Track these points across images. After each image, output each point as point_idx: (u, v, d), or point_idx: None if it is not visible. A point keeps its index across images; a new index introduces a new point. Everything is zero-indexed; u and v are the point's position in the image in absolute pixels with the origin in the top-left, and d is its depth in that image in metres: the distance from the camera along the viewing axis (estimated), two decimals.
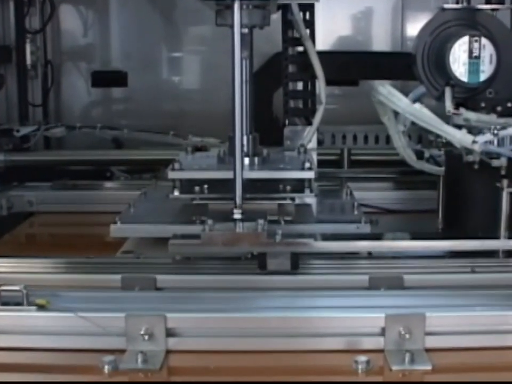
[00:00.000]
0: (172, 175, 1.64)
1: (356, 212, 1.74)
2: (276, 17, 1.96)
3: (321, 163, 2.03)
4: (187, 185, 1.64)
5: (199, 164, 1.72)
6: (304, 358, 1.23)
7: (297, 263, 1.51)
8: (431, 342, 1.24)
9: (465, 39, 1.62)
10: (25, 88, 2.89)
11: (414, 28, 2.54)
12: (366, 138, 2.71)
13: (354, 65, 2.79)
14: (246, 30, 1.62)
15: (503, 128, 1.59)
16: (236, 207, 1.47)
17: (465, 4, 1.70)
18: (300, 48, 2.01)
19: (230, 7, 1.48)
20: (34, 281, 1.46)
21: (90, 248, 1.86)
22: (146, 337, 1.22)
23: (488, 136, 1.59)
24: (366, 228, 1.64)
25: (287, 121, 2.04)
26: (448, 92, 1.65)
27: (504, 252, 1.61)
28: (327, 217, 1.73)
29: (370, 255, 1.61)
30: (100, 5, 3.04)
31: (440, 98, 1.68)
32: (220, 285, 1.48)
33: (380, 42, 3.00)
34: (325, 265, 1.55)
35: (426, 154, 1.88)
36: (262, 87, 2.36)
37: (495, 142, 1.59)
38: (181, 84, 3.11)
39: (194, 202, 1.65)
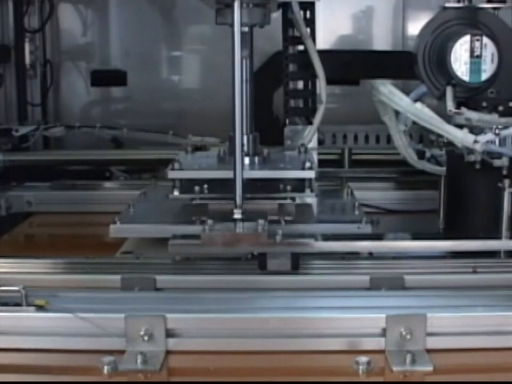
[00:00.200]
0: (171, 174, 1.64)
1: (356, 212, 1.74)
2: (276, 16, 1.97)
3: (321, 163, 2.03)
4: (187, 185, 1.64)
5: (199, 163, 1.72)
6: (304, 358, 1.23)
7: (297, 263, 1.51)
8: (432, 342, 1.24)
9: (467, 38, 1.61)
10: (24, 87, 2.89)
11: (415, 26, 2.53)
12: (367, 137, 2.72)
13: (355, 65, 2.79)
14: (246, 29, 1.62)
15: (505, 127, 1.60)
16: (236, 207, 1.46)
17: (466, 3, 1.70)
18: (301, 47, 2.02)
19: (230, 6, 1.48)
20: (33, 281, 1.46)
21: (90, 249, 1.86)
22: (146, 337, 1.22)
23: (489, 136, 1.59)
24: (367, 228, 1.64)
25: (287, 121, 2.05)
26: (449, 91, 1.65)
27: (506, 252, 1.61)
28: (328, 217, 1.73)
29: (371, 255, 1.61)
30: (99, 4, 3.04)
31: (442, 97, 1.68)
32: (220, 286, 1.48)
33: (381, 41, 3.00)
34: (326, 266, 1.55)
35: (428, 154, 1.87)
36: (262, 86, 2.37)
37: (497, 141, 1.60)
38: (180, 83, 3.11)
39: (194, 202, 1.65)
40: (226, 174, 1.53)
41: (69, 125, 2.75)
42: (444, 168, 1.83)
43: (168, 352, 1.23)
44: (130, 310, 1.25)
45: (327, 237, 1.57)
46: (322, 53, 1.99)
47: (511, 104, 1.64)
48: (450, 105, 1.65)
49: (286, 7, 1.97)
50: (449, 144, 1.68)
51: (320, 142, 2.27)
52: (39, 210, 2.30)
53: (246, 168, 1.60)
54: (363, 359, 1.18)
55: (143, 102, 3.03)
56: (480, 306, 1.29)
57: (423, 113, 1.65)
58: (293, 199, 1.65)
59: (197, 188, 1.63)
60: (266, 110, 2.73)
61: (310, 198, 1.71)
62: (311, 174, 1.63)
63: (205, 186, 1.62)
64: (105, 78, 3.04)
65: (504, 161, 1.61)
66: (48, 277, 1.53)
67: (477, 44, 1.61)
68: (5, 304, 1.26)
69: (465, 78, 1.63)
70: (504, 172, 1.61)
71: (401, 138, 1.79)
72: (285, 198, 1.64)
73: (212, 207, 1.63)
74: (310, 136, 2.00)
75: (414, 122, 1.71)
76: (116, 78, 3.02)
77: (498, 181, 1.59)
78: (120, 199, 2.06)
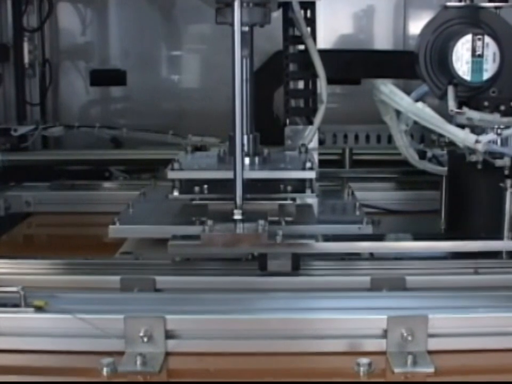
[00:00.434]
0: (171, 175, 1.63)
1: (357, 213, 1.73)
2: (277, 15, 1.96)
3: (322, 163, 2.02)
4: (187, 185, 1.64)
5: (199, 163, 1.71)
6: (305, 360, 1.23)
7: (298, 264, 1.51)
8: (434, 344, 1.23)
9: (468, 37, 1.61)
10: (22, 87, 2.89)
11: (416, 26, 2.56)
12: (367, 137, 2.72)
13: (356, 64, 2.79)
14: (246, 28, 1.61)
15: (507, 127, 1.59)
16: (236, 207, 1.46)
17: (468, 2, 1.69)
18: (301, 47, 2.01)
19: (230, 5, 1.47)
20: (32, 282, 1.46)
21: (89, 249, 1.86)
22: (145, 339, 1.21)
23: (491, 136, 1.59)
24: (367, 229, 1.63)
25: (288, 121, 2.04)
26: (451, 91, 1.65)
27: (508, 253, 1.60)
28: (329, 218, 1.72)
29: (372, 256, 1.61)
30: (99, 2, 3.04)
31: (443, 97, 1.67)
32: (220, 286, 1.47)
33: (382, 40, 3.00)
34: (326, 266, 1.55)
35: (429, 154, 1.88)
36: (263, 86, 2.37)
37: (499, 141, 1.60)
38: (180, 83, 3.11)
39: (194, 202, 1.64)
40: (226, 174, 1.53)
41: (68, 125, 2.76)
42: (445, 168, 1.83)
43: (167, 354, 1.23)
44: (129, 311, 1.25)
45: (327, 238, 1.57)
46: (323, 53, 1.98)
47: None
48: (451, 104, 1.64)
49: (286, 6, 1.96)
50: (451, 144, 1.67)
51: (321, 142, 2.26)
52: (38, 211, 2.30)
53: (246, 169, 1.59)
54: (364, 360, 1.17)
55: (142, 102, 3.03)
56: (482, 307, 1.29)
57: (425, 113, 1.64)
58: (294, 199, 1.64)
59: (196, 188, 1.62)
60: (267, 110, 2.74)
61: (310, 199, 1.70)
62: (311, 174, 1.62)
63: (205, 186, 1.62)
64: (105, 77, 3.04)
65: (506, 161, 1.60)
66: (47, 278, 1.53)
67: (479, 43, 1.60)
68: (4, 305, 1.26)
69: (467, 77, 1.62)
70: (506, 172, 1.61)
71: (402, 138, 1.79)
72: (285, 199, 1.64)
73: (212, 207, 1.62)
74: (310, 136, 2.00)
75: (415, 122, 1.71)
76: (115, 77, 3.02)
77: (500, 181, 1.58)
78: (120, 199, 2.05)
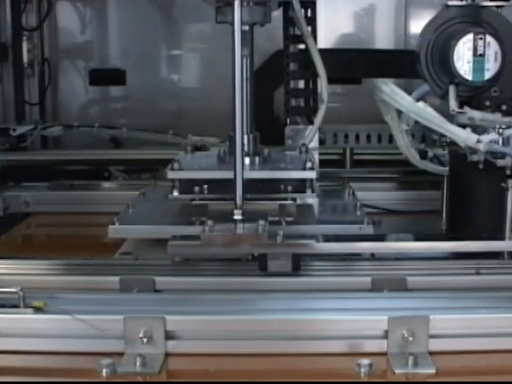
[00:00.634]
0: (171, 175, 1.62)
1: (358, 213, 1.73)
2: (277, 14, 1.96)
3: (323, 163, 2.02)
4: (186, 185, 1.63)
5: (199, 163, 1.71)
6: (305, 361, 1.22)
7: (298, 264, 1.50)
8: (435, 345, 1.23)
9: (470, 36, 1.61)
10: (21, 86, 2.90)
11: (417, 25, 2.55)
12: (368, 137, 2.72)
13: (356, 63, 2.79)
14: (246, 27, 1.61)
15: (508, 127, 1.59)
16: (236, 207, 1.45)
17: (469, 1, 1.69)
18: (302, 46, 2.00)
19: (230, 4, 1.47)
20: (31, 283, 1.45)
21: (88, 250, 1.86)
22: (145, 340, 1.21)
23: (493, 136, 1.59)
24: (368, 229, 1.63)
25: (288, 120, 2.03)
26: (452, 90, 1.65)
27: (510, 253, 1.60)
28: (329, 218, 1.72)
29: (373, 257, 1.61)
30: (98, 1, 3.04)
31: (444, 96, 1.67)
32: (220, 287, 1.47)
33: (383, 39, 3.01)
34: (327, 267, 1.55)
35: (430, 154, 1.88)
36: (263, 86, 2.38)
37: (500, 141, 1.59)
38: (180, 82, 3.11)
39: (194, 202, 1.64)
40: (226, 174, 1.52)
41: (67, 125, 2.76)
42: (447, 168, 1.83)
43: (167, 355, 1.22)
44: (129, 312, 1.24)
45: (328, 238, 1.56)
46: (323, 52, 1.97)
47: None
48: (453, 104, 1.64)
49: (286, 5, 1.96)
50: (452, 143, 1.67)
51: (322, 142, 2.26)
52: (37, 211, 2.30)
53: (246, 168, 1.59)
54: (365, 361, 1.17)
55: (142, 101, 3.03)
56: (483, 308, 1.28)
57: (426, 113, 1.64)
58: (294, 199, 1.64)
59: (196, 188, 1.61)
60: (267, 110, 2.74)
61: (311, 199, 1.70)
62: (312, 174, 1.61)
63: (205, 186, 1.61)
64: (104, 77, 3.04)
65: (507, 161, 1.60)
66: (46, 278, 1.52)
67: (480, 42, 1.60)
68: (3, 305, 1.25)
69: (468, 76, 1.63)
70: (508, 172, 1.61)
71: (403, 138, 1.79)
72: (285, 199, 1.63)
73: (212, 207, 1.62)
74: (311, 136, 1.99)
75: (417, 122, 1.71)
76: (115, 77, 3.02)
77: (501, 181, 1.58)
78: (119, 200, 2.05)
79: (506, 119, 1.61)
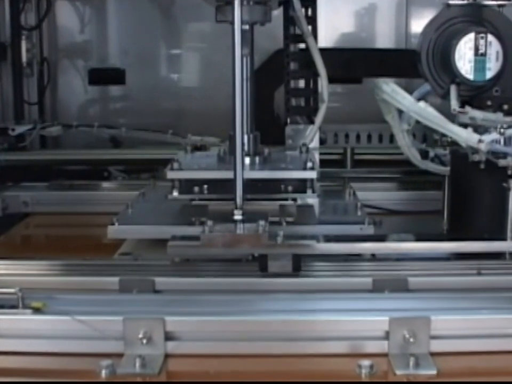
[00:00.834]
0: (170, 175, 1.63)
1: (359, 213, 1.74)
2: (277, 13, 1.96)
3: (323, 163, 2.02)
4: (186, 186, 1.63)
5: (199, 163, 1.71)
6: (306, 362, 1.22)
7: (299, 265, 1.49)
8: (436, 345, 1.22)
9: (471, 35, 1.61)
10: (20, 86, 2.90)
11: (418, 24, 2.56)
12: (369, 137, 2.72)
13: (357, 63, 2.80)
14: (246, 27, 1.61)
15: (510, 127, 1.59)
16: (236, 207, 1.45)
17: (471, 0, 1.69)
18: (302, 45, 2.01)
19: (231, 3, 1.46)
20: (30, 283, 1.44)
21: (87, 250, 1.86)
22: (144, 341, 1.20)
23: (494, 135, 1.58)
24: (369, 229, 1.63)
25: (288, 120, 2.03)
26: (453, 90, 1.65)
27: (511, 254, 1.60)
28: (330, 218, 1.72)
29: (373, 257, 1.60)
30: (97, 0, 3.05)
31: (446, 96, 1.67)
32: (219, 288, 1.46)
33: (384, 39, 3.01)
34: (328, 267, 1.54)
35: (431, 154, 1.87)
36: (263, 85, 2.37)
37: (502, 141, 1.59)
38: (180, 82, 3.11)
39: (194, 203, 1.64)
40: (226, 174, 1.52)
41: (67, 124, 2.76)
42: (448, 168, 1.82)
43: (167, 356, 1.22)
44: (128, 313, 1.24)
45: (329, 238, 1.56)
46: (324, 51, 1.97)
47: None
48: (454, 104, 1.64)
49: (287, 5, 1.96)
50: (453, 143, 1.67)
51: (322, 142, 2.27)
52: (36, 211, 2.29)
53: (247, 168, 1.59)
54: (366, 362, 1.16)
55: (141, 101, 3.03)
56: (485, 308, 1.28)
57: (427, 112, 1.64)
58: (294, 199, 1.64)
59: (196, 188, 1.62)
60: (267, 109, 2.74)
61: (311, 199, 1.70)
62: (312, 174, 1.62)
63: (205, 186, 1.61)
64: (103, 76, 3.04)
65: (509, 161, 1.59)
66: (45, 279, 1.51)
67: (482, 41, 1.60)
68: (1, 306, 1.25)
69: (470, 76, 1.62)
70: (509, 172, 1.60)
71: (404, 137, 1.79)
72: (286, 199, 1.63)
73: (212, 207, 1.62)
74: (311, 136, 1.99)
75: (418, 122, 1.71)
76: (114, 76, 3.02)
77: (503, 181, 1.57)
78: (119, 200, 2.05)
79: (508, 119, 1.61)
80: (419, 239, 1.61)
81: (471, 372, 1.21)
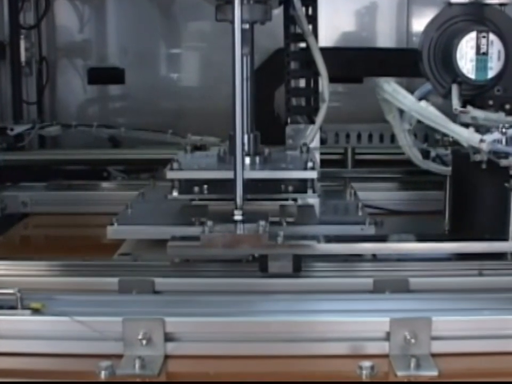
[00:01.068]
0: (170, 175, 1.62)
1: (360, 213, 1.73)
2: (278, 12, 1.96)
3: (324, 162, 2.02)
4: (186, 186, 1.63)
5: (199, 163, 1.71)
6: (306, 363, 1.22)
7: (299, 265, 1.49)
8: (438, 346, 1.22)
9: (473, 35, 1.60)
10: (19, 85, 2.90)
11: (420, 23, 2.56)
12: (370, 137, 2.72)
13: (358, 62, 2.80)
14: (247, 26, 1.61)
15: None
16: (236, 208, 1.45)
17: None
18: (302, 44, 2.01)
19: (231, 2, 1.46)
20: (29, 284, 1.45)
21: (87, 250, 1.85)
22: (144, 342, 1.20)
23: (496, 135, 1.57)
24: (370, 230, 1.63)
25: (289, 120, 2.04)
26: (455, 89, 1.64)
27: None
28: (331, 219, 1.72)
29: (374, 258, 1.60)
30: None
31: (447, 95, 1.67)
32: (219, 288, 1.46)
33: (385, 38, 3.01)
34: (328, 268, 1.54)
35: (433, 154, 1.87)
36: (263, 85, 2.39)
37: (503, 141, 1.58)
38: (179, 81, 3.11)
39: (194, 203, 1.64)
40: (226, 174, 1.52)
41: (65, 124, 2.75)
42: (449, 168, 1.82)
43: (167, 357, 1.21)
44: (128, 314, 1.23)
45: (329, 239, 1.55)
46: (324, 50, 1.97)
47: None
48: (455, 103, 1.64)
49: (287, 4, 1.96)
50: (455, 143, 1.66)
51: (323, 142, 2.27)
52: (34, 211, 2.29)
53: (247, 168, 1.59)
54: (366, 363, 1.16)
55: (141, 100, 3.03)
56: (486, 309, 1.28)
57: (428, 112, 1.63)
58: (295, 200, 1.64)
59: (196, 189, 1.61)
60: (268, 109, 2.74)
61: (312, 199, 1.70)
62: (313, 174, 1.61)
63: (205, 186, 1.61)
64: (103, 75, 3.04)
65: (511, 161, 1.58)
66: (44, 280, 1.51)
67: (483, 40, 1.60)
68: (0, 307, 1.24)
69: (471, 75, 1.62)
70: (511, 172, 1.59)
71: (405, 137, 1.78)
72: (286, 199, 1.63)
73: (212, 208, 1.62)
74: (312, 136, 1.99)
75: (419, 121, 1.70)
76: (114, 75, 3.02)
77: (505, 181, 1.57)
78: (118, 200, 2.05)
79: (510, 119, 1.61)
80: (420, 239, 1.61)
81: (473, 373, 1.20)
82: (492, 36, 1.60)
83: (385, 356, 1.21)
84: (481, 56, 1.60)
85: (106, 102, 3.14)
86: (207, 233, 1.43)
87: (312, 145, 1.93)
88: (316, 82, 2.03)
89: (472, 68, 1.61)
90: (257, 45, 1.72)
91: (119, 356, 1.20)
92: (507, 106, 1.63)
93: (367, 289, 1.45)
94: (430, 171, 1.87)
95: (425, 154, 1.86)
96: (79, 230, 2.18)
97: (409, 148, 1.80)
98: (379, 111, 1.77)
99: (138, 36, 3.01)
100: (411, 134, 1.79)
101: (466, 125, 1.62)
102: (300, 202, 1.66)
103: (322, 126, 2.01)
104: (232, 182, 1.45)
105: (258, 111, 1.75)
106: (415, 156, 1.82)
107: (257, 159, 1.70)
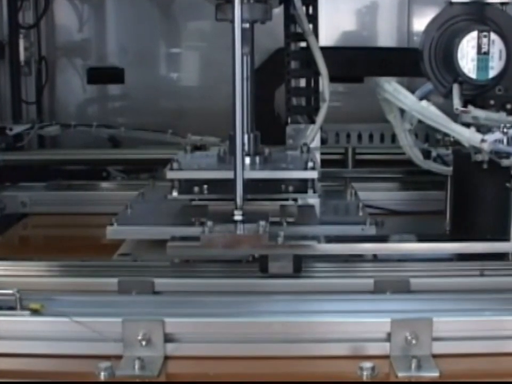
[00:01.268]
0: (170, 175, 1.62)
1: (360, 213, 1.72)
2: (278, 11, 1.96)
3: (324, 162, 2.03)
4: (186, 186, 1.63)
5: (199, 163, 1.70)
6: (306, 364, 1.21)
7: (300, 266, 1.49)
8: (439, 347, 1.22)
9: (474, 34, 1.60)
10: (18, 85, 2.89)
11: (420, 22, 2.56)
12: (371, 137, 2.72)
13: (359, 62, 2.80)
14: (247, 25, 1.60)
15: None
16: (236, 208, 1.44)
17: None
18: (303, 44, 2.02)
19: (231, 1, 1.46)
20: (28, 284, 1.44)
21: (86, 251, 1.86)
22: (143, 342, 1.20)
23: (497, 135, 1.57)
24: (371, 230, 1.62)
25: (289, 119, 2.04)
26: (456, 89, 1.64)
27: None
28: (331, 219, 1.71)
29: (375, 258, 1.60)
30: None
31: (448, 95, 1.66)
32: (219, 289, 1.46)
33: (386, 37, 3.01)
34: (329, 268, 1.54)
35: (434, 154, 1.87)
36: (264, 84, 2.39)
37: (505, 140, 1.57)
38: (179, 81, 3.11)
39: (194, 203, 1.63)
40: (226, 174, 1.51)
41: (65, 124, 2.75)
42: (450, 168, 1.82)
43: (166, 358, 1.21)
44: (127, 314, 1.23)
45: (330, 239, 1.55)
46: (325, 50, 1.97)
47: None
48: (457, 103, 1.63)
49: (288, 3, 1.96)
50: (456, 143, 1.65)
51: (323, 141, 2.27)
52: (34, 211, 2.29)
53: (247, 168, 1.58)
54: (367, 364, 1.16)
55: (141, 100, 3.03)
56: (487, 310, 1.27)
57: (429, 112, 1.63)
58: (295, 200, 1.64)
59: (196, 189, 1.61)
60: (268, 109, 2.74)
61: (312, 199, 1.69)
62: (313, 174, 1.61)
63: (205, 186, 1.61)
64: (102, 75, 3.04)
65: None
66: (43, 280, 1.51)
67: (485, 40, 1.60)
68: None
69: (472, 75, 1.62)
70: None
71: (406, 137, 1.78)
72: (286, 199, 1.63)
73: (212, 208, 1.61)
74: (312, 135, 2.00)
75: (420, 121, 1.69)
76: (113, 75, 3.02)
77: (506, 181, 1.56)
78: (118, 200, 2.04)
79: (511, 118, 1.61)
80: (421, 239, 1.60)
81: (474, 374, 1.20)
82: (493, 36, 1.60)
83: (386, 357, 1.21)
84: (483, 55, 1.60)
85: (106, 101, 3.14)
86: (207, 233, 1.43)
87: (312, 145, 1.94)
88: (316, 82, 2.03)
89: (473, 68, 1.61)
90: (257, 44, 1.71)
91: (119, 357, 1.19)
92: (508, 106, 1.63)
93: (367, 290, 1.45)
94: (431, 171, 1.87)
95: (426, 154, 1.86)
96: (78, 230, 2.18)
97: (410, 147, 1.80)
98: (380, 111, 1.77)
99: (138, 35, 3.01)
100: (412, 134, 1.79)
101: (467, 125, 1.61)
102: (300, 202, 1.65)
103: (322, 126, 2.02)
104: (232, 182, 1.44)
105: (258, 110, 1.74)
106: (416, 155, 1.82)
107: (258, 159, 1.69)
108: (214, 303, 1.33)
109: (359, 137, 2.72)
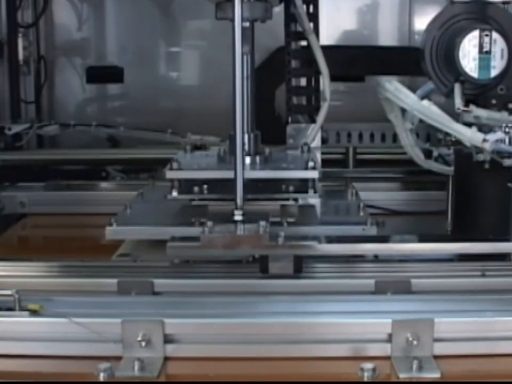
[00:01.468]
0: (170, 174, 1.61)
1: (361, 213, 1.72)
2: (278, 10, 1.96)
3: (325, 162, 2.02)
4: (186, 186, 1.62)
5: (198, 163, 1.70)
6: (307, 365, 1.21)
7: (300, 266, 1.49)
8: (440, 348, 1.21)
9: (476, 33, 1.60)
10: (17, 84, 2.89)
11: (422, 21, 2.56)
12: (372, 136, 2.72)
13: (360, 61, 2.80)
14: (247, 24, 1.60)
15: None
16: (236, 208, 1.44)
17: None
18: (303, 43, 2.01)
19: (231, 0, 1.45)
20: (27, 285, 1.44)
21: (85, 251, 1.86)
22: (143, 343, 1.20)
23: (499, 135, 1.57)
24: (372, 230, 1.62)
25: (290, 119, 2.04)
26: (457, 88, 1.64)
27: None
28: (332, 219, 1.71)
29: (376, 258, 1.60)
30: None
31: (450, 95, 1.67)
32: (220, 289, 1.46)
33: (387, 36, 3.01)
34: (329, 269, 1.54)
35: (435, 153, 1.88)
36: (264, 83, 2.39)
37: (507, 140, 1.58)
38: (179, 80, 3.11)
39: (193, 203, 1.63)
40: (226, 174, 1.51)
41: (64, 123, 2.76)
42: (452, 168, 1.82)
43: (166, 359, 1.21)
44: (127, 315, 1.23)
45: (330, 239, 1.55)
46: (326, 49, 1.97)
47: None
48: (458, 102, 1.63)
49: (288, 1, 1.96)
50: (457, 143, 1.66)
51: (324, 141, 2.27)
52: (32, 212, 2.28)
53: (247, 168, 1.58)
54: (368, 365, 1.15)
55: (140, 100, 3.03)
56: (489, 311, 1.27)
57: (430, 111, 1.63)
58: (296, 200, 1.63)
59: (196, 188, 1.60)
60: (268, 108, 2.74)
61: (313, 199, 1.69)
62: (314, 174, 1.60)
63: (205, 186, 1.60)
64: (101, 74, 3.04)
65: None
66: (42, 281, 1.51)
67: (486, 39, 1.60)
68: None
69: (474, 74, 1.62)
70: None
71: (407, 137, 1.78)
72: (287, 199, 1.62)
73: (212, 208, 1.61)
74: (313, 135, 1.99)
75: (421, 121, 1.70)
76: (112, 74, 3.02)
77: (508, 181, 1.57)
78: (117, 200, 2.04)
79: None
80: (422, 240, 1.60)
81: (475, 375, 1.20)
82: (495, 34, 1.60)
83: (387, 358, 1.20)
84: (484, 54, 1.60)
85: (105, 101, 3.14)
86: (207, 233, 1.43)
87: (313, 144, 1.94)
88: (317, 81, 2.03)
89: (475, 67, 1.61)
90: (257, 43, 1.71)
91: (118, 358, 1.19)
92: (510, 106, 1.63)
93: (368, 290, 1.44)
94: (432, 171, 1.87)
95: (428, 154, 1.86)
96: (77, 231, 2.18)
97: (411, 147, 1.80)
98: (381, 110, 1.77)
99: (138, 34, 3.01)
100: (413, 134, 1.80)
101: (469, 124, 1.62)
102: (300, 202, 1.65)
103: (323, 125, 2.01)
104: (232, 182, 1.45)
105: (258, 110, 1.74)
106: (417, 155, 1.83)
107: (258, 158, 1.69)
108: (214, 303, 1.32)
109: (360, 136, 2.71)
